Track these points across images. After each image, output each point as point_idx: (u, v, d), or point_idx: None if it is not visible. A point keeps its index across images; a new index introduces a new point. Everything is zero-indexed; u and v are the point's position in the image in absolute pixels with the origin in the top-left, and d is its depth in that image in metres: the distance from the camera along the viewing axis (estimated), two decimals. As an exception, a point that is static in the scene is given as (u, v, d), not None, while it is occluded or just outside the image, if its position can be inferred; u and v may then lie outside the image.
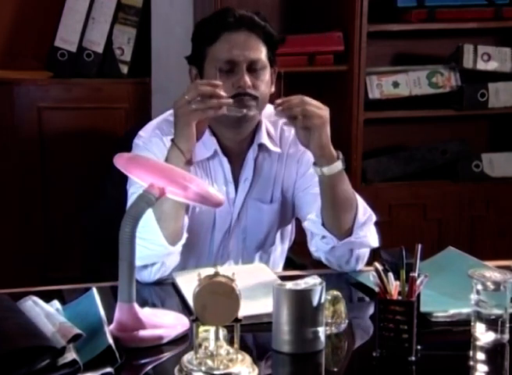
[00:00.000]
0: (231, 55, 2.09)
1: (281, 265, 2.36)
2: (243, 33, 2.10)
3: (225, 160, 2.18)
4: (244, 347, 1.61)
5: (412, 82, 3.44)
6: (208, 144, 2.17)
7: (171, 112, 2.15)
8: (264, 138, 2.20)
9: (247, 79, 2.08)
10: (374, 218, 2.14)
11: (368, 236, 2.12)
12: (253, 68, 2.10)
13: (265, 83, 2.13)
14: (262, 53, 2.12)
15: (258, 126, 2.19)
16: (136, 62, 3.48)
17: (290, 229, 2.35)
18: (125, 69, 3.46)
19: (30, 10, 3.56)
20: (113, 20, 3.43)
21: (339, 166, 2.07)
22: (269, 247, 2.29)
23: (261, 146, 2.21)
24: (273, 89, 2.20)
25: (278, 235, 2.30)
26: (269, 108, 2.17)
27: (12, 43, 3.59)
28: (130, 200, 2.07)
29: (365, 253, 2.14)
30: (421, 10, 3.39)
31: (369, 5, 3.25)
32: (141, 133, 2.21)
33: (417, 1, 3.39)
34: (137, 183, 1.91)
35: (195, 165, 2.16)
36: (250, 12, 2.14)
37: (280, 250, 2.33)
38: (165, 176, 1.71)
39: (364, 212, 2.11)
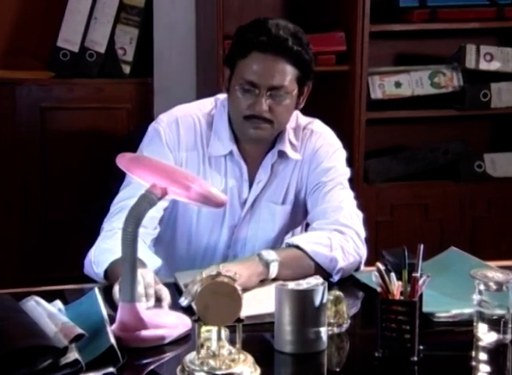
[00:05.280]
0: (253, 78, 2.08)
1: None
2: (272, 57, 2.08)
3: (241, 160, 2.20)
4: (246, 347, 1.61)
5: (414, 82, 3.43)
6: (225, 144, 2.19)
7: (203, 104, 2.23)
8: (285, 146, 2.21)
9: (264, 104, 2.08)
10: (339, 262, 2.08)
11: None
12: (273, 93, 2.09)
13: (285, 107, 2.13)
14: (288, 78, 2.10)
15: (281, 133, 2.20)
16: (138, 63, 3.48)
17: (300, 231, 2.35)
18: (127, 70, 3.45)
19: (32, 10, 3.57)
20: (115, 20, 3.43)
21: (273, 271, 2.01)
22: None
23: (281, 152, 2.22)
24: (302, 105, 2.20)
25: (289, 236, 2.30)
26: (293, 115, 2.21)
27: (15, 43, 3.59)
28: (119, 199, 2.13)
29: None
30: (423, 10, 3.38)
31: (371, 5, 3.25)
32: (162, 117, 2.23)
33: (419, 1, 3.39)
34: (131, 186, 2.02)
35: (206, 161, 2.19)
36: (287, 31, 2.10)
37: None
38: (168, 176, 1.72)
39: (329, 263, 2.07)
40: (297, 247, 2.07)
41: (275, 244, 2.26)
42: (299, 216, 2.29)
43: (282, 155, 2.22)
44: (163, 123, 2.20)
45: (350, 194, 2.25)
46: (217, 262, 2.06)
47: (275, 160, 2.22)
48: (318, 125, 2.30)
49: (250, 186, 2.22)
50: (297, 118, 2.27)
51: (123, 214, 1.87)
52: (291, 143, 2.23)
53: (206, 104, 2.26)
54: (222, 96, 2.25)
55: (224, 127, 2.19)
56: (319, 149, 2.25)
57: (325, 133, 2.30)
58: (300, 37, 2.12)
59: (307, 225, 2.31)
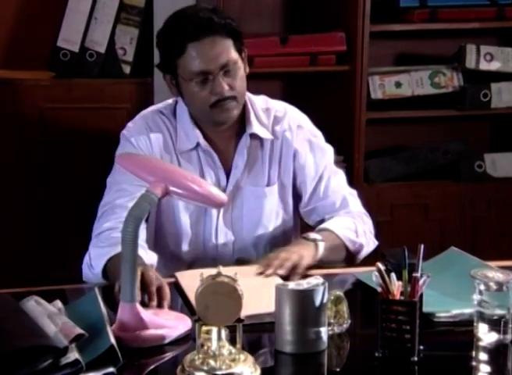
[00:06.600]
0: (202, 67, 2.12)
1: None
2: (207, 39, 2.12)
3: (210, 149, 2.22)
4: (246, 347, 1.61)
5: (414, 82, 3.43)
6: (191, 136, 2.22)
7: (165, 102, 2.29)
8: (255, 128, 2.24)
9: (224, 84, 2.12)
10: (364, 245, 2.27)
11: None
12: (225, 70, 2.13)
13: (240, 78, 2.16)
14: (231, 51, 2.14)
15: (246, 115, 2.24)
16: (138, 63, 3.47)
17: (293, 225, 2.37)
18: (127, 70, 3.45)
19: (32, 10, 3.56)
20: (115, 20, 3.43)
21: (320, 251, 2.14)
22: (271, 237, 2.31)
23: (253, 135, 2.25)
24: (248, 70, 2.23)
25: (279, 221, 2.31)
26: (259, 99, 2.29)
27: (15, 43, 3.59)
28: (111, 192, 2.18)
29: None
30: (424, 10, 3.38)
31: (371, 5, 3.24)
32: (129, 124, 2.27)
33: (420, 1, 3.39)
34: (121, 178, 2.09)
35: (178, 155, 2.22)
36: (206, 11, 2.16)
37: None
38: (167, 176, 1.72)
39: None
40: (329, 231, 2.18)
41: (264, 228, 2.29)
42: (287, 196, 2.32)
43: (254, 137, 2.25)
44: (131, 129, 2.25)
45: (341, 174, 2.35)
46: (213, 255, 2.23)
47: (250, 144, 2.25)
48: (291, 109, 2.34)
49: (228, 174, 2.24)
50: (267, 102, 2.32)
51: (110, 215, 2.07)
52: (261, 123, 2.26)
53: (167, 104, 2.30)
54: None
55: (187, 122, 2.22)
56: (300, 138, 2.29)
57: (301, 118, 2.34)
58: (220, 11, 2.20)
59: (301, 221, 2.38)
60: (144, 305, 1.80)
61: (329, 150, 2.35)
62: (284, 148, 2.28)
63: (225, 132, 2.23)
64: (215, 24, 2.12)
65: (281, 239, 2.32)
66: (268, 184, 2.27)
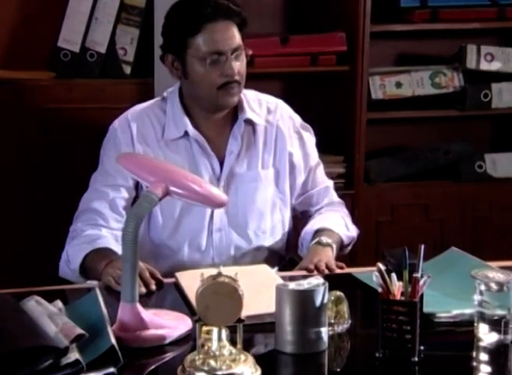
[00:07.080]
0: (217, 47, 2.17)
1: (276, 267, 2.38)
2: (223, 22, 2.18)
3: (199, 136, 2.24)
4: (247, 347, 1.60)
5: (415, 82, 3.43)
6: (179, 125, 2.25)
7: (148, 103, 2.36)
8: (249, 114, 2.29)
9: (235, 67, 2.18)
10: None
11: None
12: (235, 54, 2.18)
13: (244, 64, 2.23)
14: (239, 37, 2.21)
15: (239, 103, 2.28)
16: (139, 63, 3.47)
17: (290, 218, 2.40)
18: (128, 70, 3.45)
19: (33, 10, 3.56)
20: (116, 21, 3.42)
21: (335, 253, 2.25)
22: (269, 228, 2.33)
23: (247, 121, 2.29)
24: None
25: (276, 211, 2.34)
26: (249, 91, 2.33)
27: (15, 43, 3.59)
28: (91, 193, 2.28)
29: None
30: (424, 10, 3.38)
31: (372, 6, 3.24)
32: (115, 121, 2.34)
33: (420, 1, 3.39)
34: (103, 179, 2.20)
35: (163, 147, 2.25)
36: None
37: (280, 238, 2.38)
38: (168, 176, 1.72)
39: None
40: (330, 230, 2.27)
41: (260, 215, 2.30)
42: (284, 185, 2.34)
43: (247, 123, 2.30)
44: (116, 125, 2.32)
45: (321, 163, 2.43)
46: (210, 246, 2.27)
47: (244, 130, 2.28)
48: (280, 101, 2.41)
49: (222, 161, 2.27)
50: (257, 94, 2.37)
51: (83, 216, 2.20)
52: (254, 111, 2.31)
53: (155, 100, 2.36)
54: (168, 90, 2.34)
55: (177, 111, 2.25)
56: (292, 129, 2.36)
57: (290, 110, 2.41)
58: (232, 0, 2.24)
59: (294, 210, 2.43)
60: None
61: (314, 139, 2.43)
62: (279, 137, 2.33)
63: (218, 119, 2.27)
64: (232, 11, 2.19)
65: (280, 231, 2.35)
66: (262, 167, 2.31)
